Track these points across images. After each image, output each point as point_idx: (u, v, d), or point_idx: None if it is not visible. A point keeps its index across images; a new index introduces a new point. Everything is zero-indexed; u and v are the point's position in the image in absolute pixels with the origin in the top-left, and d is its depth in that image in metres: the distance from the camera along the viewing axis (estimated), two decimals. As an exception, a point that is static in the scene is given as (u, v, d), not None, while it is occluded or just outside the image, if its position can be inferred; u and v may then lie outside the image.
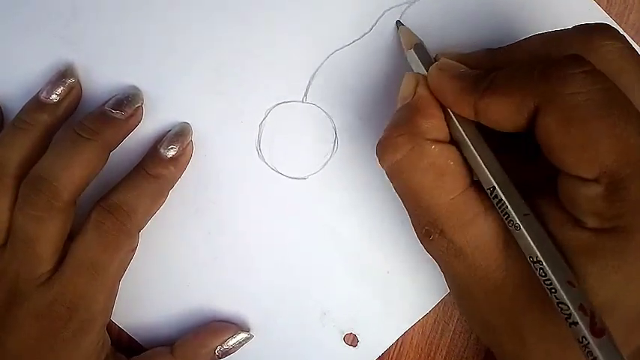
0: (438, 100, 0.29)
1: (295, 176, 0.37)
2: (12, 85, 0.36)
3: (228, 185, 0.37)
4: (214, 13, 0.36)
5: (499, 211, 0.27)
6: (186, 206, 0.37)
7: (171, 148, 0.35)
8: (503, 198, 0.26)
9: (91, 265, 0.32)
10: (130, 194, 0.34)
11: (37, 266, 0.32)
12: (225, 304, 0.37)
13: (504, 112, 0.25)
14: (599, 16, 0.36)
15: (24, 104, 0.35)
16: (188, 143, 0.36)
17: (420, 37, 0.33)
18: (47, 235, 0.32)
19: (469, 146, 0.28)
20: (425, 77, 0.29)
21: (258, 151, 0.37)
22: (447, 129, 0.28)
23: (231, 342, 0.37)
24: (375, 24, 0.36)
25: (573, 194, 0.24)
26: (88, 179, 0.33)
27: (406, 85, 0.30)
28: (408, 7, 0.36)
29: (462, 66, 0.29)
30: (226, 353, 0.36)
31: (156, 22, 0.36)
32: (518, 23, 0.36)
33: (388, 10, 0.36)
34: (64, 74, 0.35)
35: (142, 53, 0.36)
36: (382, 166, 0.29)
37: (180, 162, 0.35)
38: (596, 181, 0.23)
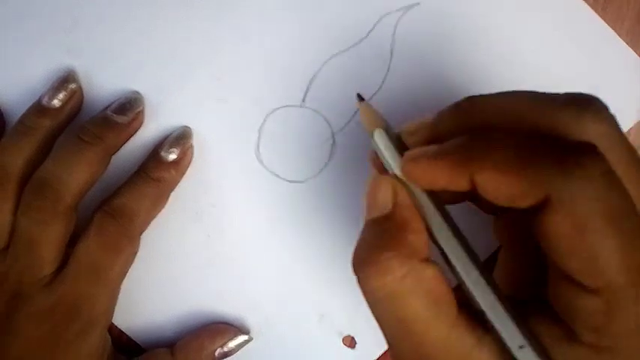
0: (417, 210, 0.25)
1: (294, 180, 0.37)
2: (14, 91, 0.37)
3: (227, 189, 0.37)
4: (213, 21, 0.36)
5: (494, 336, 0.23)
6: (186, 210, 0.37)
7: (172, 152, 0.35)
8: (498, 328, 0.23)
9: (93, 267, 0.33)
10: (131, 198, 0.34)
11: (39, 269, 0.32)
12: (224, 307, 0.38)
13: (504, 192, 0.22)
14: (596, 23, 0.36)
15: (26, 109, 0.35)
16: (189, 147, 0.36)
17: (384, 118, 0.27)
18: (50, 238, 0.32)
19: (456, 264, 0.24)
20: (404, 183, 0.25)
21: (258, 155, 0.37)
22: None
23: (231, 344, 0.37)
24: (372, 29, 0.36)
25: (572, 302, 0.22)
26: (91, 183, 0.33)
27: (380, 192, 0.25)
28: (405, 13, 0.36)
29: (433, 146, 0.24)
30: (225, 355, 0.37)
31: (156, 29, 0.36)
32: (517, 26, 0.36)
33: (385, 15, 0.36)
34: (66, 80, 0.35)
35: (142, 59, 0.37)
36: (360, 286, 0.24)
37: (180, 165, 0.36)
38: (597, 292, 0.21)
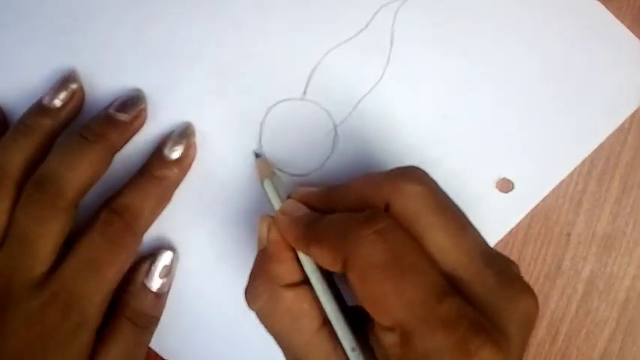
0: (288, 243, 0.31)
1: (296, 173, 0.37)
2: (15, 91, 0.37)
3: (231, 184, 0.37)
4: (213, 15, 0.36)
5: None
6: (189, 207, 0.37)
7: (175, 150, 0.35)
8: (340, 336, 0.29)
9: (93, 263, 0.33)
10: (135, 197, 0.34)
11: (32, 267, 0.32)
12: (228, 303, 0.38)
13: (326, 261, 0.27)
14: (597, 9, 0.35)
15: (27, 109, 0.35)
16: (191, 144, 0.36)
17: (275, 169, 0.35)
18: (46, 234, 0.32)
19: (315, 290, 0.29)
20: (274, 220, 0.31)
21: (260, 149, 0.37)
22: (300, 272, 0.30)
23: (159, 264, 0.36)
24: (371, 20, 0.36)
25: (378, 337, 0.27)
26: (92, 181, 0.33)
27: (261, 230, 0.31)
28: (404, 2, 0.36)
29: (302, 208, 0.31)
30: (164, 280, 0.36)
31: (156, 26, 0.36)
32: (518, 14, 0.36)
33: (385, 5, 0.36)
34: (67, 79, 0.35)
35: (142, 57, 0.36)
36: (252, 310, 0.31)
37: (184, 163, 0.36)
38: (392, 329, 0.25)
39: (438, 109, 0.36)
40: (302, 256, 0.30)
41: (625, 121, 0.36)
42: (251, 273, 0.31)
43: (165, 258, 0.36)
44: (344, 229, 0.27)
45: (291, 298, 0.29)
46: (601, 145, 0.36)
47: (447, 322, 0.25)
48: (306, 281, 0.30)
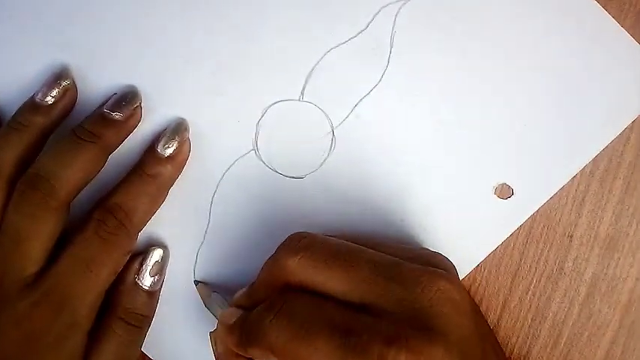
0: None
1: (293, 175, 0.37)
2: (8, 88, 0.36)
3: (225, 185, 0.37)
4: (210, 14, 0.36)
5: None
6: (184, 206, 0.37)
7: (168, 147, 0.35)
8: None
9: (86, 262, 0.32)
10: (129, 195, 0.34)
11: (23, 267, 0.32)
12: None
13: (263, 358, 0.30)
14: (598, 14, 0.35)
15: (19, 107, 0.35)
16: (185, 140, 0.36)
17: (213, 290, 0.36)
18: (38, 234, 0.32)
19: None
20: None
21: (256, 150, 0.37)
22: None
23: (149, 262, 0.36)
24: (372, 21, 0.36)
25: None
26: (86, 181, 0.33)
27: (212, 344, 0.34)
28: (404, 4, 0.36)
29: (235, 312, 0.32)
30: (155, 276, 0.36)
31: (152, 24, 0.36)
32: (519, 17, 0.36)
33: (384, 6, 0.36)
34: (60, 76, 0.35)
35: (138, 54, 0.36)
36: None
37: (177, 160, 0.35)
38: None
39: (437, 113, 0.36)
40: None
41: (627, 120, 0.36)
42: None
43: (156, 255, 0.36)
44: (257, 326, 0.29)
45: None
46: (603, 145, 0.36)
47: (362, 349, 0.26)
48: None
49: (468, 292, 0.36)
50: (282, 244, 0.31)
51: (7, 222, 0.32)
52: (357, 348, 0.27)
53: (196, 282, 0.37)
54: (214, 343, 0.33)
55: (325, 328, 0.28)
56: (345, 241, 0.31)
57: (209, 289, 0.36)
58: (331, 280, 0.29)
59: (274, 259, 0.31)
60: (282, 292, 0.30)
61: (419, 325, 0.27)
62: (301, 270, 0.30)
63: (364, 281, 0.29)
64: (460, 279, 0.35)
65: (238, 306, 0.33)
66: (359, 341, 0.27)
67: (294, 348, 0.28)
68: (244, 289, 0.34)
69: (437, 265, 0.31)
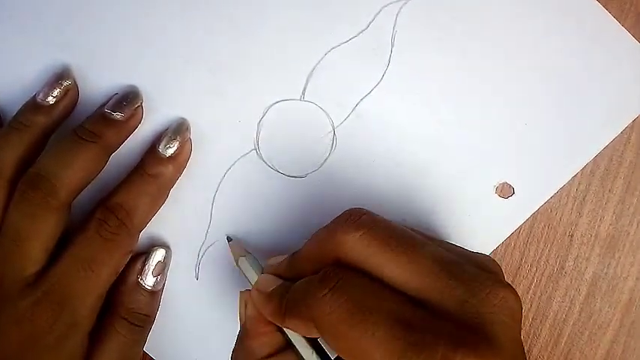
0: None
1: (294, 175, 0.37)
2: (10, 88, 0.36)
3: (227, 185, 0.37)
4: (210, 14, 0.36)
5: None
6: (185, 206, 0.37)
7: (170, 147, 0.35)
8: None
9: (87, 261, 0.32)
10: (130, 195, 0.34)
11: (24, 267, 0.32)
12: (222, 304, 0.37)
13: (303, 330, 0.29)
14: (599, 13, 0.35)
15: (20, 107, 0.35)
16: (186, 140, 0.36)
17: (248, 250, 0.35)
18: (38, 233, 0.32)
19: (300, 355, 0.30)
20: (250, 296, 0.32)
21: (257, 149, 0.37)
22: (279, 338, 0.31)
23: (152, 262, 0.36)
24: (373, 21, 0.36)
25: None
26: (87, 181, 0.33)
27: (239, 306, 0.33)
28: (405, 3, 0.36)
29: (274, 280, 0.31)
30: (157, 276, 0.36)
31: (152, 23, 0.36)
32: (519, 17, 0.36)
33: (385, 6, 0.36)
34: (61, 76, 0.35)
35: (138, 54, 0.36)
36: None
37: (178, 160, 0.35)
38: None
39: (438, 112, 0.36)
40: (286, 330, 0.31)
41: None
42: (234, 348, 0.32)
43: (158, 255, 0.36)
44: (305, 297, 0.28)
45: None
46: (604, 144, 0.36)
47: (424, 347, 0.25)
48: (286, 347, 0.31)
49: None
50: (340, 217, 0.30)
51: (7, 222, 0.32)
52: (419, 345, 0.25)
53: (229, 238, 0.36)
54: (244, 306, 0.32)
55: (386, 316, 0.26)
56: (407, 228, 0.30)
57: (243, 249, 0.35)
58: (390, 266, 0.28)
59: (330, 232, 0.29)
60: (335, 266, 0.29)
61: (479, 331, 0.26)
62: (361, 248, 0.28)
63: (426, 274, 0.27)
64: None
65: (276, 274, 0.32)
66: (422, 338, 0.25)
67: (347, 329, 0.26)
68: (285, 257, 0.32)
69: (490, 268, 0.30)
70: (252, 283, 0.33)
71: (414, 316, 0.26)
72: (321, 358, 0.30)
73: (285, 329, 0.30)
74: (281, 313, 0.29)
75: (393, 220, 0.36)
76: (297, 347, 0.30)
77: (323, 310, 0.27)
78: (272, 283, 0.31)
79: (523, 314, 0.36)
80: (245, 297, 0.32)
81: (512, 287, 0.28)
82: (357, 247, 0.28)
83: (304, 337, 0.30)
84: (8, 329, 0.32)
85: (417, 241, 0.29)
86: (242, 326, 0.32)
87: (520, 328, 0.28)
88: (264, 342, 0.31)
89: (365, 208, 0.30)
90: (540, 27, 0.36)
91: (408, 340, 0.25)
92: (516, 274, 0.36)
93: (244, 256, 0.34)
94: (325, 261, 0.29)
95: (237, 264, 0.35)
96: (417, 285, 0.27)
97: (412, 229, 0.31)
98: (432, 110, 0.36)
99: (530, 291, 0.36)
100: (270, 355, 0.31)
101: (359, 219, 0.29)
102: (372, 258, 0.28)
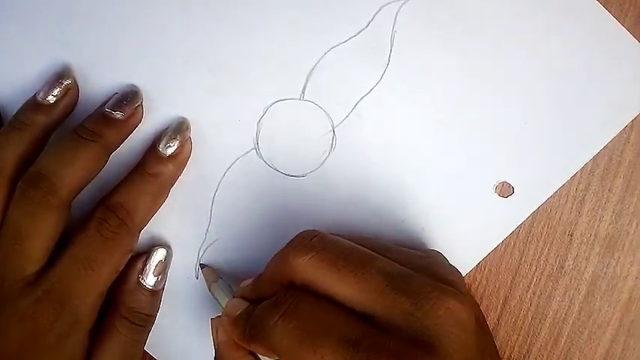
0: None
1: (294, 174, 0.37)
2: (10, 87, 0.36)
3: (226, 184, 0.37)
4: (211, 13, 0.36)
5: None
6: (185, 205, 0.37)
7: (170, 146, 0.35)
8: None
9: (87, 260, 0.32)
10: (130, 194, 0.34)
11: (24, 266, 0.32)
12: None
13: (266, 354, 0.30)
14: (598, 13, 0.35)
15: (21, 106, 0.35)
16: (187, 139, 0.36)
17: (219, 276, 0.36)
18: (39, 232, 0.32)
19: None
20: (220, 321, 0.33)
21: (257, 149, 0.37)
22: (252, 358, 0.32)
23: (152, 262, 0.36)
24: (372, 20, 0.36)
25: None
26: (87, 180, 0.33)
27: (212, 333, 0.33)
28: (405, 2, 0.36)
29: (242, 304, 0.32)
30: (158, 276, 0.36)
31: (152, 22, 0.36)
32: (519, 16, 0.36)
33: (385, 5, 0.36)
34: (61, 75, 0.35)
35: (139, 54, 0.36)
36: None
37: (179, 159, 0.35)
38: None
39: (438, 112, 0.36)
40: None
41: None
42: None
43: (159, 254, 0.36)
44: (262, 323, 0.29)
45: None
46: (603, 143, 0.36)
47: None
48: None
49: (477, 304, 0.36)
50: (293, 241, 0.31)
51: (8, 220, 0.32)
52: None
53: (202, 265, 0.37)
54: (215, 331, 0.33)
55: (333, 336, 0.27)
56: (356, 245, 0.31)
57: (215, 275, 0.36)
58: (339, 285, 0.29)
59: (282, 256, 0.31)
60: (288, 289, 0.30)
61: (425, 344, 0.27)
62: (310, 270, 0.29)
63: (374, 291, 0.28)
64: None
65: (243, 297, 0.33)
66: (366, 357, 0.26)
67: (298, 353, 0.27)
68: (250, 281, 0.33)
69: (445, 276, 0.30)
70: (222, 307, 0.34)
71: (360, 334, 0.27)
72: None
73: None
74: (246, 339, 0.30)
75: (391, 219, 0.36)
76: None
77: (276, 337, 0.28)
78: (239, 307, 0.32)
79: (522, 313, 0.36)
80: (216, 323, 0.33)
81: (462, 295, 0.29)
82: (308, 270, 0.29)
83: None
84: (9, 328, 0.32)
85: (366, 258, 0.30)
86: (216, 351, 0.33)
87: (474, 335, 0.28)
88: None
89: (317, 230, 0.31)
90: (540, 26, 0.36)
91: (353, 357, 0.26)
92: (516, 274, 0.36)
93: (216, 281, 0.35)
94: (282, 283, 0.30)
95: (209, 290, 0.36)
96: (364, 301, 0.28)
97: (372, 241, 0.33)
98: (431, 109, 0.36)
99: (530, 290, 0.36)
100: None
101: (310, 241, 0.30)
102: (322, 279, 0.29)
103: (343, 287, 0.29)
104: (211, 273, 0.36)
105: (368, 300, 0.28)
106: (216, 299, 0.35)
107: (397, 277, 0.29)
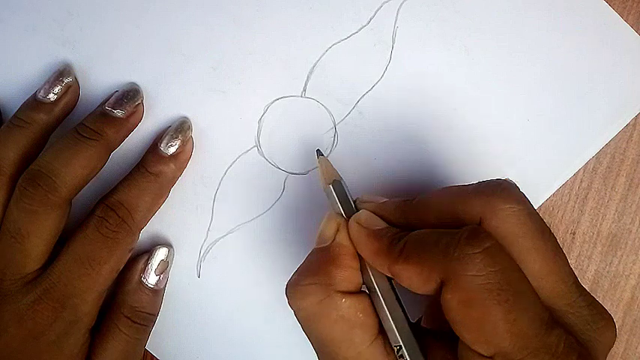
0: (354, 250, 0.29)
1: (295, 172, 0.37)
2: (10, 86, 0.36)
3: (228, 182, 0.37)
4: (212, 11, 0.36)
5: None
6: (187, 203, 0.37)
7: (171, 146, 0.35)
8: (409, 355, 0.27)
9: (87, 259, 0.32)
10: (131, 193, 0.34)
11: (24, 264, 0.32)
12: (226, 302, 0.37)
13: (415, 280, 0.26)
14: (602, 8, 0.35)
15: (21, 104, 0.35)
16: (188, 139, 0.36)
17: (340, 174, 0.32)
18: (39, 231, 0.32)
19: (381, 302, 0.28)
20: (346, 222, 0.29)
21: (258, 147, 0.37)
22: (360, 279, 0.28)
23: (154, 262, 0.36)
24: (373, 16, 0.36)
25: None
26: (87, 178, 0.33)
27: (326, 227, 0.29)
28: (406, -1, 0.36)
29: (380, 221, 0.29)
30: (159, 276, 0.36)
31: (152, 20, 0.36)
32: (522, 11, 0.36)
33: (387, 2, 0.36)
34: (62, 74, 0.35)
35: (139, 51, 0.36)
36: (290, 306, 0.28)
37: (180, 158, 0.35)
38: (491, 358, 0.24)
39: (440, 109, 0.36)
40: (373, 272, 0.28)
41: (630, 116, 0.36)
42: (302, 268, 0.28)
43: (161, 254, 0.36)
44: (442, 247, 0.25)
45: (348, 306, 0.27)
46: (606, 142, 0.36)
47: (557, 354, 0.24)
48: (362, 291, 0.28)
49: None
50: (492, 183, 0.27)
51: (8, 219, 0.32)
52: (553, 348, 0.24)
53: (320, 153, 0.33)
54: (335, 229, 0.29)
55: (532, 307, 0.24)
56: None
57: (336, 173, 0.32)
58: (536, 257, 0.25)
59: (480, 193, 0.26)
60: (484, 230, 0.26)
61: (593, 358, 0.25)
62: (515, 222, 0.26)
63: (563, 281, 0.26)
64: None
65: (378, 214, 0.29)
66: (557, 344, 0.24)
67: (488, 300, 0.24)
68: (391, 200, 0.30)
69: (597, 305, 0.27)
70: (343, 212, 0.30)
71: (550, 319, 0.24)
72: (402, 312, 0.28)
73: (371, 272, 0.28)
74: (392, 256, 0.26)
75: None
76: (379, 292, 0.28)
77: (468, 269, 0.24)
78: (378, 222, 0.29)
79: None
80: (339, 221, 0.29)
81: (616, 327, 0.27)
82: (512, 220, 0.26)
83: (390, 285, 0.28)
84: (10, 326, 0.32)
85: (558, 245, 0.27)
86: (324, 250, 0.29)
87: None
88: (348, 277, 0.28)
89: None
90: (543, 22, 0.36)
91: (544, 340, 0.24)
92: (518, 272, 0.36)
93: (339, 180, 0.31)
94: (458, 219, 0.26)
95: (325, 187, 0.31)
96: (551, 286, 0.26)
97: None
98: (433, 106, 0.36)
99: (532, 288, 0.36)
100: (348, 292, 0.27)
101: (517, 193, 0.27)
102: (521, 240, 0.26)
103: (539, 261, 0.25)
104: (331, 169, 0.32)
105: (557, 288, 0.26)
106: (336, 200, 0.31)
107: (577, 280, 0.26)
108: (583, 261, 0.36)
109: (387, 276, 0.28)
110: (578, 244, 0.36)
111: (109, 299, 0.35)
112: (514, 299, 0.24)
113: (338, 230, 0.29)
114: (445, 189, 0.28)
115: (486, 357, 0.24)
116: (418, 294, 0.26)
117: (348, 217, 0.30)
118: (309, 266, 0.28)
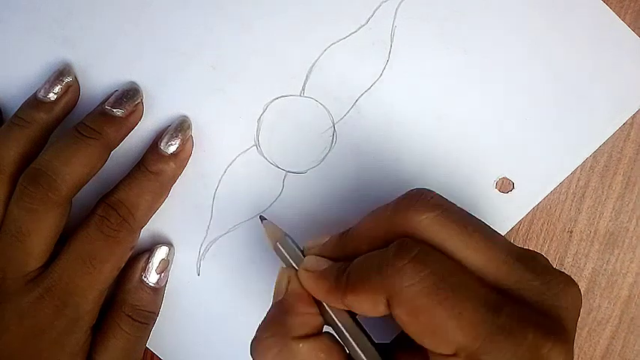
0: (309, 296, 0.30)
1: (294, 170, 0.37)
2: (10, 86, 0.36)
3: (227, 181, 0.37)
4: (211, 10, 0.36)
5: None
6: (186, 202, 0.37)
7: (171, 144, 0.35)
8: None
9: (89, 257, 0.32)
10: (132, 191, 0.34)
11: (25, 263, 0.32)
12: (226, 300, 0.38)
13: (366, 307, 0.27)
14: (599, 8, 0.35)
15: (22, 103, 0.35)
16: (188, 138, 0.36)
17: (284, 231, 0.33)
18: (40, 229, 0.32)
19: (346, 336, 0.29)
20: (296, 273, 0.30)
21: (257, 145, 0.37)
22: (317, 322, 0.29)
23: (154, 260, 0.36)
24: (372, 16, 0.36)
25: None
26: (87, 177, 0.33)
27: (279, 282, 0.31)
28: (404, -1, 0.36)
29: (325, 262, 0.30)
30: (160, 274, 0.36)
31: (152, 19, 0.36)
32: (521, 11, 0.36)
33: (385, 1, 0.36)
34: (62, 73, 0.35)
35: (139, 50, 0.36)
36: None
37: (180, 157, 0.35)
38: (456, 355, 0.24)
39: (439, 107, 0.36)
40: (332, 310, 0.29)
41: (627, 115, 0.36)
42: (261, 324, 0.29)
43: (162, 252, 0.36)
44: (378, 268, 0.26)
45: (306, 349, 0.28)
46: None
47: (512, 332, 0.24)
48: (324, 332, 0.29)
49: None
50: (409, 196, 0.28)
51: (9, 218, 0.32)
52: (506, 329, 0.24)
53: (262, 218, 0.34)
54: (286, 282, 0.30)
55: (473, 296, 0.25)
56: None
57: (279, 230, 0.33)
58: (468, 250, 0.26)
59: (398, 210, 0.28)
60: (409, 240, 0.27)
61: (560, 324, 0.25)
62: (436, 228, 0.26)
63: (503, 263, 0.26)
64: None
65: (321, 255, 0.30)
66: (509, 323, 0.24)
67: (429, 304, 0.24)
68: (330, 238, 0.31)
69: (546, 270, 0.28)
70: (293, 264, 0.31)
71: (498, 300, 0.25)
72: (368, 340, 0.28)
73: (330, 311, 0.29)
74: (340, 290, 0.27)
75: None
76: (341, 328, 0.29)
77: (403, 281, 0.25)
78: (323, 263, 0.30)
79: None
80: (288, 274, 0.30)
81: (576, 283, 0.27)
82: (433, 228, 0.26)
83: (352, 318, 0.29)
84: (11, 325, 0.32)
85: (489, 229, 0.27)
86: (279, 302, 0.30)
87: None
88: (303, 321, 0.29)
89: (429, 189, 0.29)
90: (540, 22, 0.36)
91: (495, 323, 0.24)
92: (516, 270, 0.36)
93: (282, 238, 0.32)
94: (388, 239, 0.27)
95: (273, 246, 0.33)
96: (494, 271, 0.26)
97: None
98: (431, 105, 0.36)
99: (530, 286, 0.36)
100: (307, 335, 0.28)
101: (430, 199, 0.28)
102: (449, 241, 0.26)
103: (473, 253, 0.26)
104: (275, 229, 0.33)
105: (499, 271, 0.26)
106: (285, 255, 0.32)
107: (522, 253, 0.27)
108: (580, 259, 0.36)
109: (347, 310, 0.29)
110: (575, 242, 0.36)
111: (110, 297, 0.35)
112: (453, 294, 0.24)
113: (289, 282, 0.30)
114: (371, 214, 0.29)
115: (450, 355, 0.24)
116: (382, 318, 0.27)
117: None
118: (266, 321, 0.29)
